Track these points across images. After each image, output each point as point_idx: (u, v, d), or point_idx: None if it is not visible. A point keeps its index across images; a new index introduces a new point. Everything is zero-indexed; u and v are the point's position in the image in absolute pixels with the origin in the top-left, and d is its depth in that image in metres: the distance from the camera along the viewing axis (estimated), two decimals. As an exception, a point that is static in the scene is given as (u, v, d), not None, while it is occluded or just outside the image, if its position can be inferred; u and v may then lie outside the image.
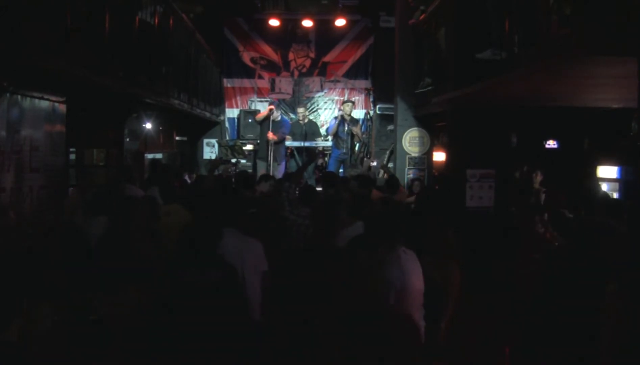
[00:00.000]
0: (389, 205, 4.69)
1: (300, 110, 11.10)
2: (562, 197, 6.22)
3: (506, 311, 4.14)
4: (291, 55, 12.72)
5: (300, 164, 10.05)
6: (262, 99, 12.48)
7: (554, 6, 4.09)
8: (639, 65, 3.24)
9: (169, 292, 2.70)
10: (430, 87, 7.63)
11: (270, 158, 9.94)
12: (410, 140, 8.95)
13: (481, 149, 6.54)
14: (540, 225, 4.65)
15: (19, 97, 4.03)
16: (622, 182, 7.20)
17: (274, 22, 11.95)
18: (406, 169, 8.93)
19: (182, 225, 3.32)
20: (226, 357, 2.49)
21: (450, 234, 3.66)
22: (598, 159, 7.55)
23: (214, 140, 11.67)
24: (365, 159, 10.29)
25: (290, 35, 12.52)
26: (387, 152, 10.03)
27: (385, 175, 7.66)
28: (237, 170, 10.03)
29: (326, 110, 12.72)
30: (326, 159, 10.88)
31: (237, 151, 10.53)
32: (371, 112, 11.69)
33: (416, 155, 8.96)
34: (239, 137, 11.52)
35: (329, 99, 12.77)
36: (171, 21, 7.43)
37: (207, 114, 10.49)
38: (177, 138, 10.56)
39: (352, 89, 12.54)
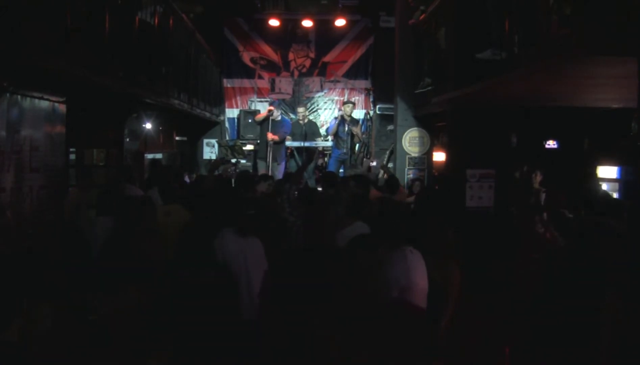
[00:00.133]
0: (388, 205, 4.70)
1: (301, 110, 11.10)
2: (562, 197, 6.22)
3: (506, 311, 4.14)
4: (291, 55, 12.72)
5: (300, 164, 10.05)
6: (262, 99, 12.49)
7: (554, 6, 4.09)
8: (639, 65, 3.24)
9: (167, 292, 2.70)
10: (430, 87, 7.63)
11: (269, 158, 9.93)
12: (410, 140, 8.95)
13: (481, 149, 6.54)
14: (540, 225, 4.64)
15: (19, 97, 4.03)
16: (622, 182, 7.20)
17: (274, 22, 11.95)
18: (406, 169, 8.93)
19: (182, 225, 3.33)
20: (222, 357, 2.49)
21: (450, 234, 3.66)
22: (598, 159, 7.55)
23: (214, 140, 11.67)
24: (365, 159, 10.29)
25: (290, 36, 12.52)
26: (387, 152, 10.03)
27: (385, 175, 7.65)
28: (237, 170, 10.03)
29: (326, 110, 12.72)
30: (326, 159, 10.88)
31: (237, 151, 10.53)
32: (371, 112, 11.69)
33: (416, 155, 8.96)
34: (239, 137, 11.52)
35: (329, 99, 12.77)
36: (171, 21, 7.43)
37: (207, 114, 10.49)
38: (177, 138, 10.56)
39: (352, 89, 12.54)
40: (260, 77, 12.70)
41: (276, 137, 10.01)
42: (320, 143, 10.72)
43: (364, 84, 12.60)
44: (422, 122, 8.85)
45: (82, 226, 4.36)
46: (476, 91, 5.53)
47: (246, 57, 12.60)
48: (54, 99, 4.53)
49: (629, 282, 2.55)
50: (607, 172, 7.41)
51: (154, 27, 6.66)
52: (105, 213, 4.10)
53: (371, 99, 12.29)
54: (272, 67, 12.71)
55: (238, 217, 3.70)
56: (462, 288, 3.39)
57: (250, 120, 11.19)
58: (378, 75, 11.86)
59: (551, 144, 8.36)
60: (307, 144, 10.46)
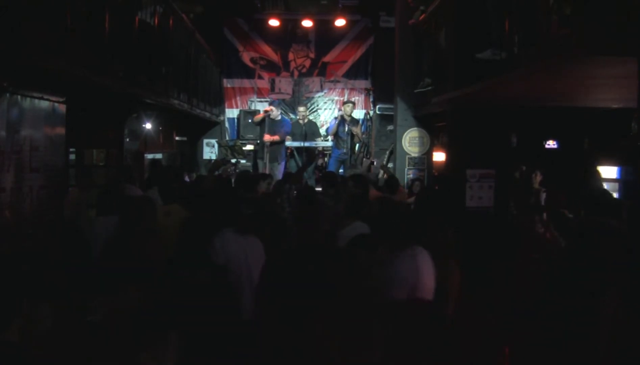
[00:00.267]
0: (387, 205, 4.70)
1: (301, 109, 11.09)
2: (562, 197, 6.22)
3: (506, 311, 4.14)
4: (291, 56, 12.72)
5: (300, 164, 10.05)
6: (262, 99, 12.48)
7: (554, 6, 4.09)
8: (639, 65, 3.24)
9: (166, 292, 2.71)
10: (430, 87, 7.63)
11: (266, 159, 9.93)
12: (410, 141, 8.95)
13: (481, 149, 6.54)
14: (541, 225, 4.65)
15: (19, 97, 4.03)
16: (622, 182, 7.20)
17: (273, 22, 11.95)
18: (406, 169, 8.93)
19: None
20: (222, 357, 2.49)
21: (450, 234, 3.66)
22: (598, 159, 7.55)
23: (214, 141, 11.67)
24: (364, 159, 10.28)
25: (290, 36, 12.52)
26: (387, 152, 10.03)
27: (385, 175, 7.66)
28: (237, 170, 10.03)
29: (326, 110, 12.71)
30: (326, 159, 10.88)
31: (237, 151, 10.53)
32: (371, 112, 11.69)
33: (416, 155, 8.96)
34: (238, 137, 11.51)
35: (328, 99, 12.76)
36: (171, 21, 7.43)
37: (207, 114, 10.49)
38: (177, 138, 10.55)
39: (352, 89, 12.53)
40: (260, 77, 12.70)
41: (275, 138, 10.00)
42: (320, 143, 10.72)
43: (364, 84, 12.60)
44: (422, 122, 8.85)
45: (82, 226, 4.36)
46: (476, 91, 5.53)
47: (246, 57, 12.60)
48: (54, 99, 4.52)
49: (628, 282, 2.55)
50: (607, 172, 7.40)
51: (154, 27, 6.66)
52: (105, 213, 4.10)
53: (371, 99, 12.28)
54: (272, 67, 12.71)
55: (238, 217, 3.71)
56: (462, 288, 3.39)
57: (250, 121, 11.19)
58: (378, 75, 11.86)
59: (551, 144, 8.36)
60: (307, 144, 10.46)
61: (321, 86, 12.75)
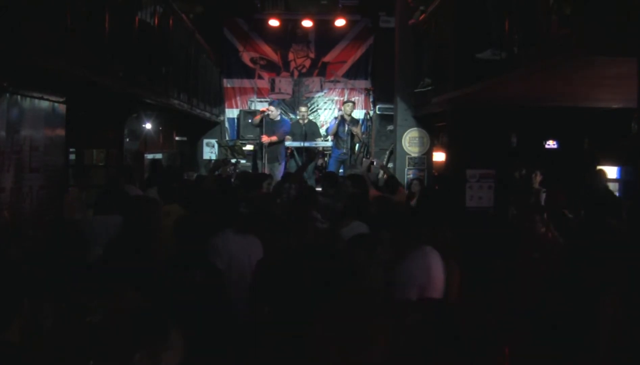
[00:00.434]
0: (385, 205, 4.70)
1: (303, 109, 11.06)
2: (562, 197, 6.22)
3: (506, 311, 4.14)
4: (291, 56, 12.71)
5: (300, 164, 10.04)
6: (262, 99, 12.47)
7: (554, 6, 4.09)
8: (639, 65, 3.24)
9: (162, 292, 2.71)
10: (430, 87, 7.63)
11: (265, 159, 9.93)
12: (410, 141, 8.94)
13: (481, 149, 6.54)
14: (541, 225, 4.65)
15: (19, 97, 4.03)
16: (622, 182, 7.21)
17: (273, 22, 11.94)
18: (406, 169, 8.92)
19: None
20: (222, 358, 2.49)
21: (450, 233, 3.66)
22: (598, 159, 7.55)
23: (213, 141, 11.66)
24: (364, 159, 10.28)
25: (290, 36, 12.51)
26: (387, 152, 10.03)
27: (385, 175, 7.65)
28: (237, 170, 10.03)
29: (326, 110, 12.71)
30: (326, 159, 10.87)
31: (237, 151, 10.52)
32: (371, 112, 11.68)
33: (416, 155, 8.95)
34: (238, 137, 11.51)
35: (328, 99, 12.76)
36: (171, 21, 7.42)
37: (207, 114, 10.49)
38: (177, 138, 10.55)
39: (352, 89, 12.53)
40: (260, 77, 12.69)
41: (273, 138, 9.98)
42: (320, 143, 10.71)
43: (364, 84, 12.59)
44: (422, 122, 8.84)
45: (81, 226, 4.36)
46: (476, 91, 5.53)
47: (246, 57, 12.59)
48: (54, 99, 4.53)
49: (628, 282, 2.55)
50: (607, 172, 7.40)
51: (154, 27, 6.66)
52: (103, 212, 4.10)
53: (371, 99, 12.28)
54: (272, 67, 12.70)
55: (238, 217, 3.71)
56: (462, 288, 3.39)
57: (249, 121, 11.19)
58: (378, 75, 11.85)
59: (551, 144, 8.37)
60: (307, 144, 10.45)
61: (321, 86, 12.75)
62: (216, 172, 6.11)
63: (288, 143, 10.33)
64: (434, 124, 8.62)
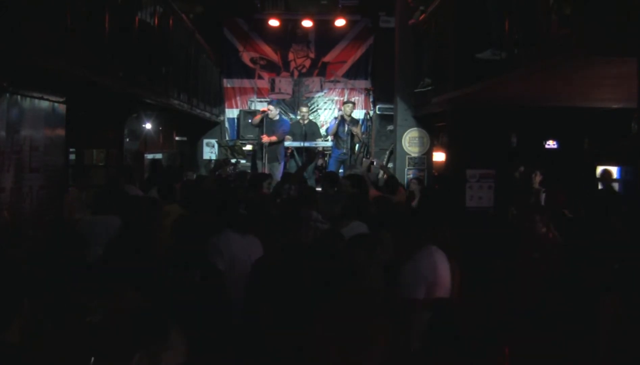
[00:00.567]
0: (386, 205, 4.71)
1: (304, 109, 11.03)
2: (562, 197, 6.22)
3: (506, 311, 4.14)
4: (291, 56, 12.71)
5: (300, 164, 10.04)
6: (262, 99, 12.47)
7: (554, 6, 4.09)
8: (639, 65, 3.24)
9: (161, 292, 2.71)
10: (430, 87, 7.63)
11: (265, 159, 9.92)
12: (410, 141, 8.94)
13: (481, 149, 6.54)
14: (542, 225, 4.64)
15: (19, 97, 4.03)
16: (622, 182, 7.21)
17: (273, 22, 11.94)
18: (406, 169, 8.92)
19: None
20: (222, 358, 2.49)
21: (450, 233, 3.66)
22: (598, 159, 7.55)
23: (213, 141, 11.66)
24: (364, 159, 10.28)
25: (290, 36, 12.51)
26: (387, 152, 10.02)
27: (385, 175, 7.65)
28: (237, 170, 10.03)
29: (326, 110, 12.70)
30: (326, 159, 10.86)
31: (237, 151, 10.52)
32: (371, 113, 11.68)
33: (416, 155, 8.95)
34: (238, 137, 11.50)
35: (328, 99, 12.75)
36: (171, 21, 7.42)
37: (207, 114, 10.48)
38: (177, 138, 10.55)
39: (352, 89, 12.53)
40: (260, 77, 12.69)
41: (273, 138, 9.97)
42: (320, 143, 10.70)
43: (363, 84, 12.59)
44: (422, 122, 8.84)
45: (79, 226, 4.36)
46: (476, 91, 5.53)
47: (246, 57, 12.59)
48: (54, 99, 4.53)
49: (628, 282, 2.55)
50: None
51: (154, 27, 6.66)
52: (101, 212, 4.11)
53: (371, 99, 12.27)
54: (272, 67, 12.70)
55: (238, 217, 3.71)
56: (462, 288, 3.39)
57: (249, 121, 11.19)
58: (378, 75, 11.85)
59: (551, 144, 8.37)
60: (307, 144, 10.45)
61: (321, 86, 12.74)
62: (216, 172, 6.12)
63: (288, 143, 10.32)
64: (434, 124, 8.62)
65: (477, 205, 6.56)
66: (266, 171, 9.49)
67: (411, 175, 8.73)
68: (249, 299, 3.02)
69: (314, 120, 11.67)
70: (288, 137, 10.33)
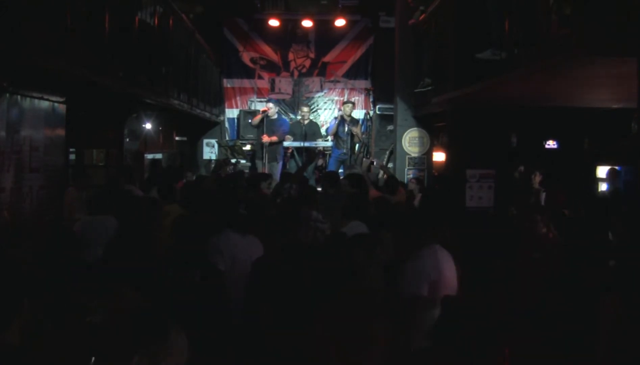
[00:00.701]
0: (385, 205, 4.71)
1: (305, 109, 11.01)
2: (562, 197, 6.22)
3: (506, 311, 4.13)
4: (291, 56, 12.71)
5: (300, 164, 10.03)
6: (262, 99, 12.46)
7: (554, 6, 4.09)
8: (639, 65, 3.24)
9: (163, 292, 2.71)
10: (430, 87, 7.63)
11: (265, 159, 9.92)
12: (410, 141, 8.94)
13: (481, 149, 6.54)
14: (543, 225, 4.64)
15: (19, 97, 4.03)
16: (622, 182, 7.20)
17: (273, 22, 11.94)
18: (406, 169, 8.92)
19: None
20: (215, 356, 2.49)
21: (450, 233, 3.66)
22: (598, 159, 7.55)
23: (213, 141, 11.66)
24: (364, 159, 10.28)
25: (290, 36, 12.50)
26: (387, 152, 10.02)
27: (385, 175, 7.65)
28: (236, 170, 10.02)
29: (326, 110, 12.70)
30: (326, 159, 10.86)
31: (237, 151, 10.52)
32: (371, 113, 11.68)
33: (416, 155, 8.95)
34: (238, 137, 11.50)
35: (328, 99, 12.75)
36: (171, 21, 7.43)
37: (207, 114, 10.48)
38: (177, 138, 10.55)
39: (352, 89, 12.52)
40: (260, 77, 12.69)
41: (273, 139, 9.97)
42: (320, 143, 10.70)
43: (363, 84, 12.58)
44: (422, 122, 8.84)
45: (77, 226, 4.36)
46: (476, 91, 5.53)
47: (246, 57, 12.59)
48: (54, 99, 4.53)
49: (628, 282, 2.55)
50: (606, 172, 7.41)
51: (154, 27, 6.66)
52: (98, 213, 4.11)
53: (371, 99, 12.27)
54: (272, 67, 12.70)
55: (238, 217, 3.71)
56: (462, 288, 3.39)
57: (249, 121, 11.18)
58: (378, 75, 11.85)
59: (551, 144, 8.37)
60: (307, 144, 10.44)
61: (321, 86, 12.74)
62: (217, 172, 6.12)
63: (288, 143, 10.31)
64: (434, 124, 8.62)
65: (477, 205, 6.56)
66: (266, 171, 9.49)
67: (411, 175, 8.73)
68: (249, 299, 3.02)
69: (314, 121, 11.67)
70: (289, 137, 10.32)
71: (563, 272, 3.36)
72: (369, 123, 11.43)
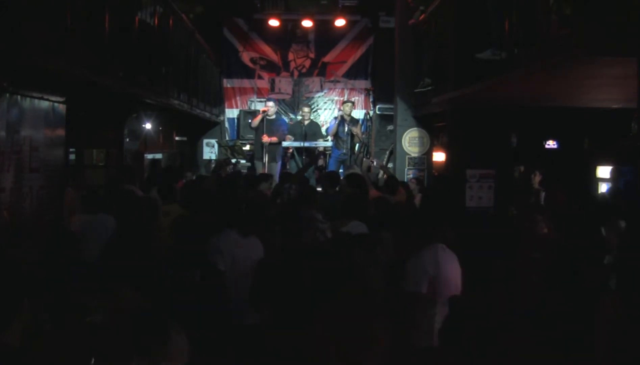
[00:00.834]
0: (385, 205, 4.71)
1: (306, 109, 10.97)
2: (562, 197, 6.22)
3: (506, 311, 4.13)
4: (291, 56, 12.71)
5: (300, 165, 10.02)
6: (262, 99, 12.44)
7: (554, 6, 4.09)
8: (639, 65, 3.24)
9: (163, 292, 2.71)
10: (430, 87, 7.63)
11: (265, 159, 9.91)
12: (410, 141, 8.94)
13: (481, 149, 6.54)
14: (543, 224, 4.64)
15: (19, 97, 4.03)
16: (622, 182, 7.19)
17: (273, 23, 11.94)
18: (406, 169, 8.92)
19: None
20: (215, 356, 2.49)
21: (450, 233, 3.66)
22: (598, 159, 7.55)
23: (213, 141, 11.66)
24: (364, 159, 10.27)
25: (289, 36, 12.51)
26: (387, 152, 10.02)
27: (385, 175, 7.65)
28: (236, 170, 10.02)
29: (326, 110, 12.70)
30: (326, 159, 10.85)
31: (237, 151, 10.51)
32: (371, 113, 11.68)
33: (416, 155, 8.95)
34: (238, 137, 11.50)
35: (328, 99, 12.75)
36: (171, 21, 7.43)
37: (207, 114, 10.48)
38: (177, 138, 10.55)
39: (351, 89, 12.52)
40: (260, 77, 12.69)
41: (273, 139, 9.95)
42: (320, 143, 10.68)
43: (363, 84, 12.58)
44: (422, 122, 8.84)
45: (77, 225, 4.36)
46: (476, 91, 5.53)
47: (246, 57, 12.59)
48: (54, 99, 4.53)
49: (628, 282, 2.55)
50: (607, 172, 7.40)
51: (154, 27, 6.66)
52: (91, 212, 4.11)
53: (371, 99, 12.26)
54: (271, 67, 12.70)
55: (238, 217, 3.71)
56: (463, 288, 3.39)
57: (249, 121, 11.17)
58: (378, 75, 11.85)
59: (551, 144, 8.37)
60: (307, 144, 10.43)
61: (321, 86, 12.74)
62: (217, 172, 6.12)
63: (288, 143, 10.29)
64: (434, 124, 8.61)
65: (477, 205, 6.56)
66: (266, 171, 9.49)
67: (411, 175, 8.73)
68: (250, 300, 3.03)
69: (315, 121, 11.66)
70: (289, 137, 10.31)
71: (563, 272, 3.35)
72: (369, 123, 11.43)
